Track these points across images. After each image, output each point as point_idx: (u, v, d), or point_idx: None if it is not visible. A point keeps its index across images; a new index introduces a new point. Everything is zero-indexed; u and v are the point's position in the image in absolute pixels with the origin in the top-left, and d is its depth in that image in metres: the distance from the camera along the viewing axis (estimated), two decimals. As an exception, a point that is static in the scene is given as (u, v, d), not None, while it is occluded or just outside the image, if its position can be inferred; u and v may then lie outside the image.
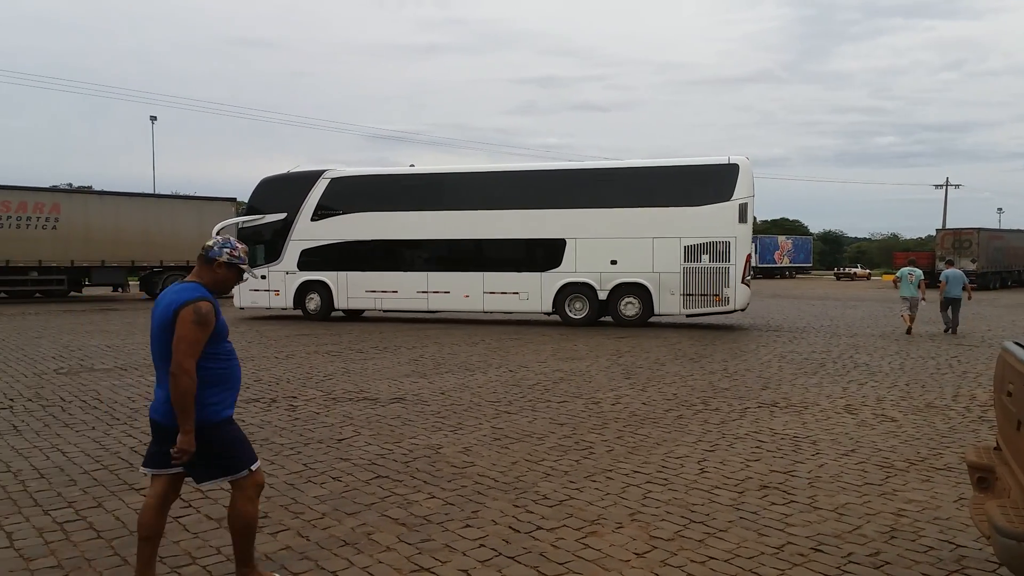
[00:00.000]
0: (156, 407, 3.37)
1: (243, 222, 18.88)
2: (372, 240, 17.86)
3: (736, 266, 15.63)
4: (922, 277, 15.69)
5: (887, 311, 21.78)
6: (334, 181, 18.09)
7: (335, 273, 18.04)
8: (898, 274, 16.00)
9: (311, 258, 18.16)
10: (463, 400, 8.08)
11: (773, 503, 4.72)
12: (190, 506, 4.62)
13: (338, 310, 18.52)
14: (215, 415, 3.31)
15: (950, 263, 17.33)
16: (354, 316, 19.16)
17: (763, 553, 3.94)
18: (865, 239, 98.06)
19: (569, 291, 16.72)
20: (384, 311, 18.56)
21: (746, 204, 15.64)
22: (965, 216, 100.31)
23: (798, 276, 63.81)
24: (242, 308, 19.17)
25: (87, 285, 26.58)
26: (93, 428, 6.68)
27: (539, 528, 4.29)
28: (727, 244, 15.66)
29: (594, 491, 4.95)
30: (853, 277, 59.13)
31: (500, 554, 3.92)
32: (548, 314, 17.16)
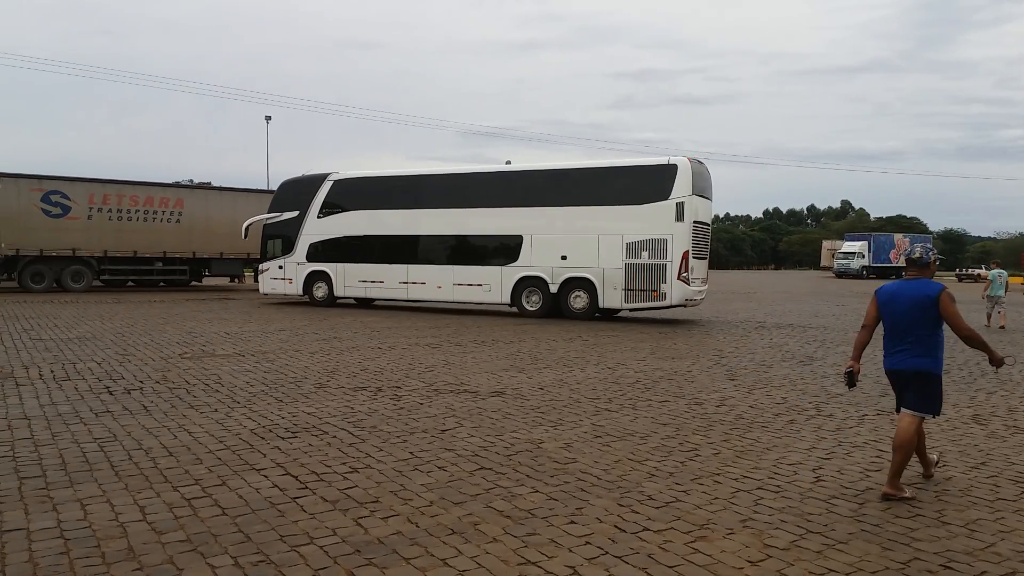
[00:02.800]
0: (895, 363, 4.89)
1: (267, 219, 21.38)
2: (364, 235, 19.71)
3: (673, 263, 16.01)
4: (1008, 278, 18.08)
5: (1017, 314, 20.27)
6: (337, 182, 20.17)
7: (335, 264, 20.03)
8: (990, 276, 17.86)
9: (317, 251, 20.26)
10: (562, 396, 8.06)
11: (897, 516, 4.46)
12: (306, 488, 4.81)
13: (345, 298, 20.21)
14: (941, 368, 4.84)
15: (997, 263, 19.99)
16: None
17: (887, 568, 3.72)
18: (990, 239, 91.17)
19: (525, 284, 17.69)
20: (374, 299, 20.20)
21: (683, 203, 15.90)
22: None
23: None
24: (265, 295, 21.58)
25: (207, 276, 28.27)
26: (216, 410, 7.08)
27: (646, 529, 4.21)
28: (665, 241, 16.07)
29: (702, 495, 4.83)
30: (977, 279, 54.99)
31: (607, 553, 3.88)
32: (509, 306, 17.97)
